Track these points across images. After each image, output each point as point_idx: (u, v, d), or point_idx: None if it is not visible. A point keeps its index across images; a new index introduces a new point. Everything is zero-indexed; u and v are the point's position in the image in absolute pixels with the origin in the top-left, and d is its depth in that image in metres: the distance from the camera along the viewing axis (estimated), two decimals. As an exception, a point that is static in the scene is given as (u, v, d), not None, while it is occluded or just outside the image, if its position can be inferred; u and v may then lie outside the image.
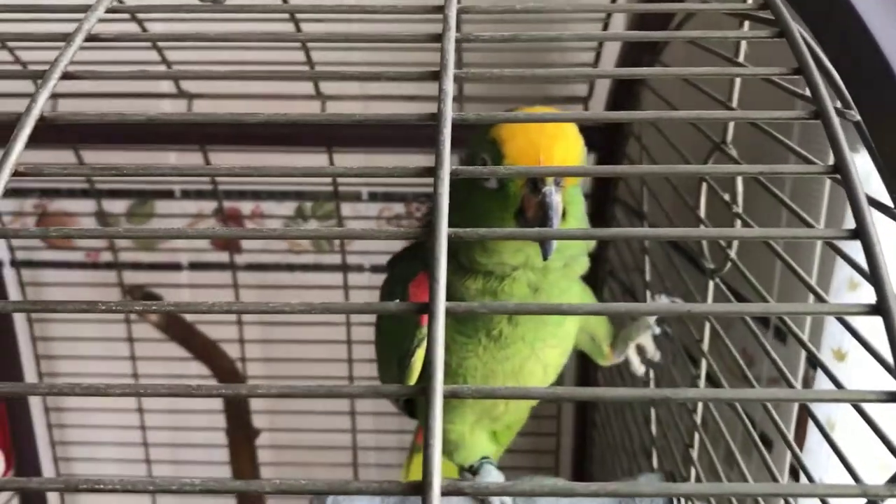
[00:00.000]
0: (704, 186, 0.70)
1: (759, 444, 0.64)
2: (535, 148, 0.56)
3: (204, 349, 1.18)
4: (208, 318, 1.28)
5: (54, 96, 1.03)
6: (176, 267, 1.37)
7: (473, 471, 0.73)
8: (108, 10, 0.44)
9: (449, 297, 0.67)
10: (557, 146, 0.57)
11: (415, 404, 0.80)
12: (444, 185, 0.34)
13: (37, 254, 1.33)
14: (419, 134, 1.03)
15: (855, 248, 0.35)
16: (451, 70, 0.38)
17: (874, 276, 0.31)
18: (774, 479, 0.56)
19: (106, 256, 1.34)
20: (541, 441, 1.36)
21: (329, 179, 1.19)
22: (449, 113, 0.36)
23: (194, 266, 1.37)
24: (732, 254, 0.62)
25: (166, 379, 1.32)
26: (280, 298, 1.38)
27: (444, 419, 0.74)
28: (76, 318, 1.31)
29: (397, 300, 0.68)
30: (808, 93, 0.38)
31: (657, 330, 0.77)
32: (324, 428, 1.32)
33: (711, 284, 0.70)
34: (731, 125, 0.63)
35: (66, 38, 0.41)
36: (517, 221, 0.59)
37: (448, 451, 0.75)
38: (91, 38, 0.41)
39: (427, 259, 0.61)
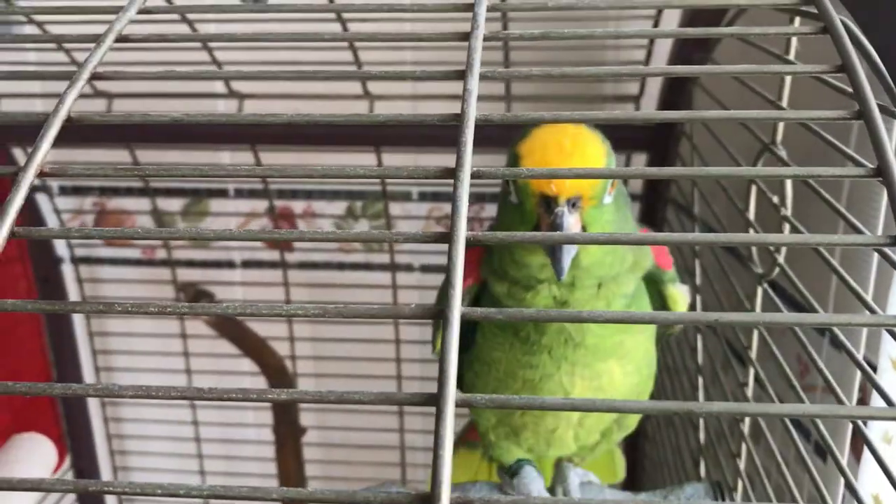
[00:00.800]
0: (754, 189, 0.67)
1: (808, 461, 0.62)
2: (546, 165, 0.55)
3: (254, 347, 1.19)
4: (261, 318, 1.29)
5: (108, 96, 1.04)
6: (229, 265, 1.38)
7: (512, 472, 0.71)
8: (142, 11, 0.45)
9: (484, 294, 0.66)
10: (572, 164, 0.55)
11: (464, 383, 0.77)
12: (464, 188, 0.33)
13: (95, 251, 1.36)
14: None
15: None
16: (476, 69, 0.38)
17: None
18: (820, 495, 0.53)
19: (161, 254, 1.37)
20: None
21: (374, 179, 1.19)
22: (472, 113, 0.36)
23: (247, 264, 1.38)
24: (780, 259, 0.60)
25: (218, 375, 1.34)
26: (330, 297, 1.40)
27: (477, 419, 0.74)
28: (131, 314, 1.34)
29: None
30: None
31: (573, 487, 0.71)
32: (372, 427, 1.32)
33: (760, 290, 0.67)
34: (781, 125, 0.61)
35: (97, 38, 0.41)
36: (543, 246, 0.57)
37: (483, 446, 0.74)
38: (122, 38, 0.42)
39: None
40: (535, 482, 0.70)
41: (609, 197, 0.58)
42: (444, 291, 0.31)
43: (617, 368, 0.66)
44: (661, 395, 1.18)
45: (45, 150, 0.36)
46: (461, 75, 0.38)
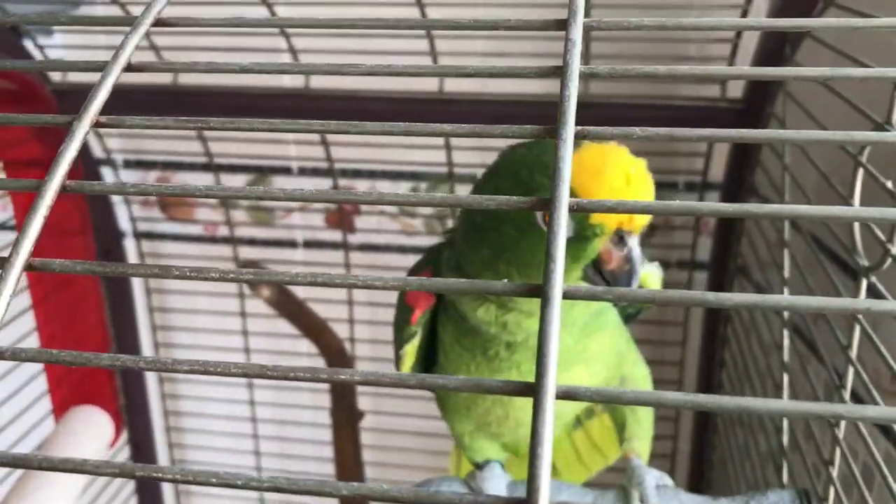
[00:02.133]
0: (861, 172, 0.61)
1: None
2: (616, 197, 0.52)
3: (313, 328, 1.16)
4: (319, 296, 1.26)
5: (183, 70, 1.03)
6: (291, 244, 1.36)
7: (479, 467, 0.71)
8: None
9: (452, 315, 0.64)
10: (644, 193, 0.53)
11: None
12: (568, 147, 0.29)
13: (157, 226, 1.35)
14: (539, 113, 0.97)
15: None
16: (580, 18, 0.33)
17: None
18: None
19: (223, 231, 1.35)
20: (656, 444, 1.28)
21: (444, 160, 1.15)
22: (576, 64, 0.31)
23: (308, 244, 1.36)
24: (894, 249, 0.54)
25: (276, 355, 1.32)
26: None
27: (445, 417, 0.73)
28: (192, 290, 1.32)
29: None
30: None
31: (650, 489, 0.67)
32: (428, 414, 1.28)
33: (864, 284, 0.61)
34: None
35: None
36: (585, 273, 0.55)
37: (461, 448, 0.74)
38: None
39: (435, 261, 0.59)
40: (494, 479, 0.69)
41: None
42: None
43: (583, 372, 0.66)
44: (732, 392, 1.12)
45: (102, 99, 0.33)
46: (562, 25, 0.33)
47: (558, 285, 0.26)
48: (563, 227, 0.27)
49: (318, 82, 1.07)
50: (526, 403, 0.66)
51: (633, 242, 0.54)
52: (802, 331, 0.86)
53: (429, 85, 1.02)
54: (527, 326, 0.61)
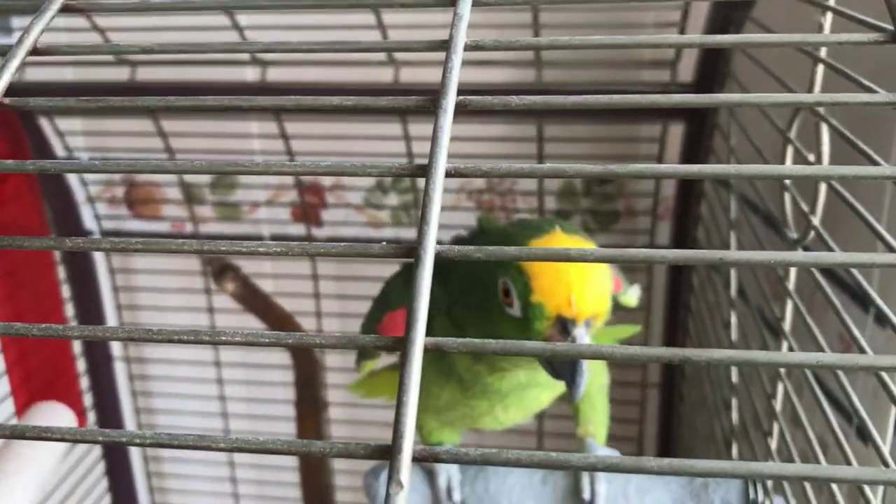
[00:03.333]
0: (790, 150, 0.63)
1: (845, 444, 0.58)
2: (567, 286, 0.52)
3: (279, 321, 1.17)
4: (286, 290, 1.27)
5: (132, 64, 1.02)
6: (258, 239, 1.37)
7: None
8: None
9: (443, 360, 0.66)
10: (590, 288, 0.52)
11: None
12: (447, 116, 0.30)
13: (123, 224, 1.35)
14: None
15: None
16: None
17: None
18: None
19: (190, 228, 1.36)
20: (623, 428, 1.30)
21: (398, 150, 1.16)
22: (462, 37, 0.32)
23: (276, 238, 1.37)
24: (816, 221, 0.56)
25: (243, 349, 1.33)
26: (359, 272, 1.37)
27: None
28: (159, 289, 1.33)
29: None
30: None
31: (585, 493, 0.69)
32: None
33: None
34: (818, 83, 0.56)
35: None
36: (539, 359, 0.55)
37: (421, 437, 0.77)
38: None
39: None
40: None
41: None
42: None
43: (544, 394, 0.69)
44: (693, 375, 1.14)
45: (39, 28, 0.34)
46: (453, 2, 0.35)
47: (430, 246, 0.27)
48: (437, 192, 0.28)
49: (275, 75, 1.08)
50: (492, 421, 0.70)
51: (580, 333, 0.52)
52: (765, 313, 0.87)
53: (384, 76, 1.03)
54: (510, 388, 0.65)
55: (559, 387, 0.67)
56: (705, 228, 1.06)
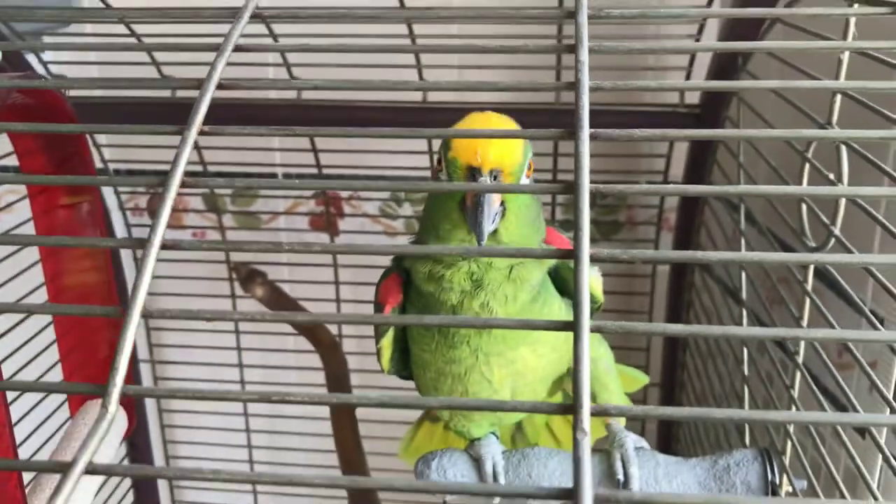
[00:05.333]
0: (807, 168, 0.71)
1: (844, 436, 0.66)
2: (473, 142, 0.61)
3: (308, 327, 1.23)
4: (308, 295, 1.33)
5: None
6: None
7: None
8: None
9: (415, 302, 0.72)
10: (494, 140, 0.61)
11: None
12: (584, 144, 0.38)
13: (145, 232, 1.40)
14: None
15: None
16: (586, 43, 0.42)
17: None
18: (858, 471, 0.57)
19: (212, 235, 1.42)
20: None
21: (423, 164, 1.23)
22: (586, 81, 0.40)
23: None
24: (836, 230, 0.64)
25: (267, 352, 1.39)
26: (375, 278, 1.44)
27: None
28: (184, 293, 1.38)
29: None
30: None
31: (630, 451, 0.74)
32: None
33: (812, 268, 0.71)
34: (838, 105, 0.65)
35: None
36: (459, 211, 0.63)
37: (447, 426, 0.81)
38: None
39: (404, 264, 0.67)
40: (491, 446, 0.76)
41: (527, 180, 0.64)
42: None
43: (529, 354, 0.72)
44: (692, 376, 1.22)
45: (202, 112, 0.41)
46: (572, 49, 0.42)
47: (586, 250, 0.35)
48: (585, 206, 0.36)
49: (309, 94, 1.14)
50: (480, 378, 0.72)
51: (484, 180, 0.61)
52: (759, 314, 0.96)
53: (415, 96, 1.10)
54: (460, 285, 0.67)
55: (541, 345, 0.72)
56: (709, 236, 1.15)
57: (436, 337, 0.71)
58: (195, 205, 1.41)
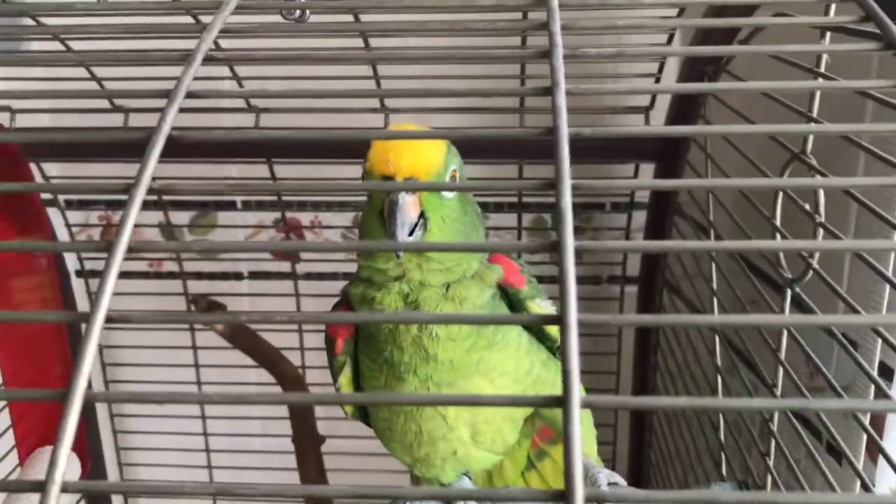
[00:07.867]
0: (781, 196, 0.70)
1: (820, 461, 0.64)
2: (385, 151, 0.59)
3: (268, 357, 1.19)
4: (270, 327, 1.30)
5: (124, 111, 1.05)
6: (236, 276, 1.39)
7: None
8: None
9: (363, 335, 0.69)
10: (406, 149, 0.59)
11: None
12: (566, 199, 0.35)
13: (99, 265, 1.36)
14: (478, 147, 1.03)
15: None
16: (562, 85, 0.40)
17: None
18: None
19: (169, 266, 1.37)
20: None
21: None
22: (564, 127, 0.38)
23: (254, 275, 1.39)
24: (815, 262, 0.63)
25: (228, 386, 1.34)
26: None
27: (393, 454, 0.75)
28: (141, 326, 1.34)
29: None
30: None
31: (604, 487, 0.71)
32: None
33: (789, 294, 0.70)
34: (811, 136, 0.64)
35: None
36: (381, 223, 0.61)
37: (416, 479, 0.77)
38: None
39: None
40: (463, 482, 0.72)
41: (451, 193, 0.62)
42: None
43: (485, 384, 0.68)
44: (667, 386, 1.21)
45: (151, 167, 0.38)
46: (548, 91, 0.40)
47: (573, 313, 0.32)
48: (571, 263, 0.33)
49: (267, 121, 1.11)
50: (434, 414, 0.68)
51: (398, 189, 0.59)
52: (731, 339, 0.94)
53: (377, 121, 1.07)
54: (392, 306, 0.64)
55: (498, 374, 0.68)
56: (677, 257, 1.14)
57: (384, 369, 0.68)
58: (150, 235, 1.36)
